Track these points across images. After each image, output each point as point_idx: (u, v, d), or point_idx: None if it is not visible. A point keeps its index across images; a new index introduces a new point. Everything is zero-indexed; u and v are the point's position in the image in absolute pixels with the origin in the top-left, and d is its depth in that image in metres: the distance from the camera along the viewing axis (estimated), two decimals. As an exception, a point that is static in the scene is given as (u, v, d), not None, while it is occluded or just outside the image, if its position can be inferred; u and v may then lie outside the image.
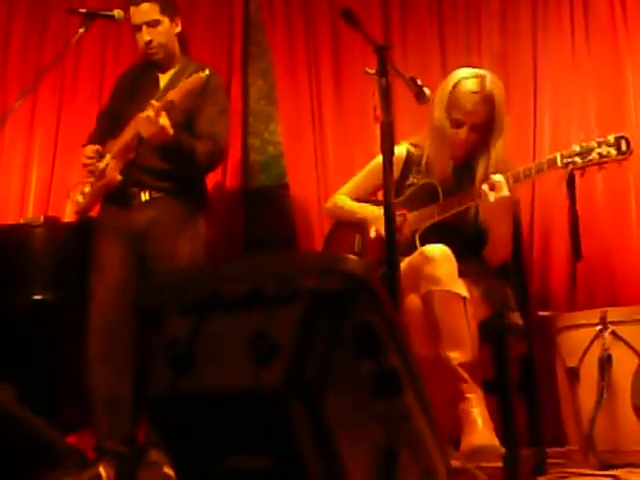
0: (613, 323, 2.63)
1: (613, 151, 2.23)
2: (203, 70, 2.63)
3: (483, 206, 2.36)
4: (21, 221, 3.20)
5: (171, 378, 1.09)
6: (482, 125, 2.45)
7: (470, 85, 2.44)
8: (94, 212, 2.91)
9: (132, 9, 2.81)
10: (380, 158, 2.65)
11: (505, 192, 2.30)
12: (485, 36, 3.37)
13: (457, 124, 2.45)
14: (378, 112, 1.95)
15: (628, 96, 3.12)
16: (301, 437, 1.03)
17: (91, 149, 2.83)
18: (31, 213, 3.64)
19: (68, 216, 3.28)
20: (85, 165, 2.84)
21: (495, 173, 2.38)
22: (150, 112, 2.58)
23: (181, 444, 1.14)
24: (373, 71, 1.96)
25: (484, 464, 2.31)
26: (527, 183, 3.11)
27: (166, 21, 2.82)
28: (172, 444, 1.15)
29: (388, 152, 1.93)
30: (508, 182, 2.32)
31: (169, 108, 2.57)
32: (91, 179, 2.81)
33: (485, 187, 2.33)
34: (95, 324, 2.67)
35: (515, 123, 3.22)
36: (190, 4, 3.67)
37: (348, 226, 2.70)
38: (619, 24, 3.18)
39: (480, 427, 2.08)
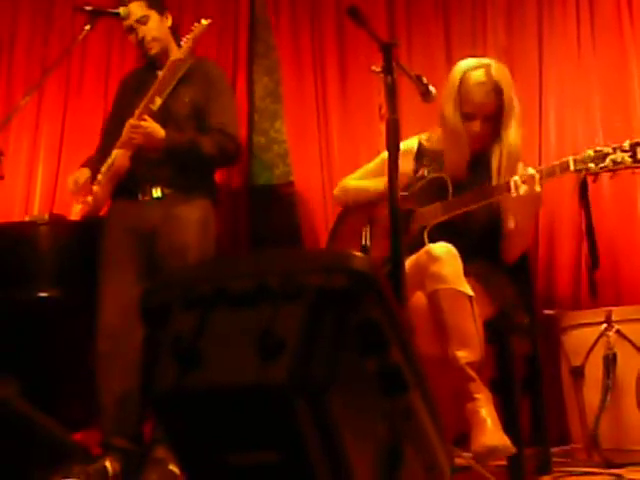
0: (618, 322, 2.63)
1: (627, 158, 2.19)
2: (204, 65, 2.68)
3: (512, 198, 2.30)
4: (26, 219, 3.20)
5: (177, 374, 1.09)
6: (493, 115, 2.43)
7: (477, 77, 2.43)
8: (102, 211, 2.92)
9: (122, 10, 2.83)
10: None
11: (537, 187, 2.25)
12: (490, 33, 3.37)
13: (469, 117, 2.43)
14: (384, 110, 1.95)
15: (634, 94, 3.12)
16: (306, 433, 1.03)
17: (80, 176, 2.85)
18: (36, 210, 3.64)
19: (74, 215, 3.28)
20: (71, 190, 2.86)
21: (509, 161, 2.37)
22: (130, 121, 2.68)
23: (186, 440, 1.14)
24: (379, 69, 1.96)
25: (489, 463, 2.31)
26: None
27: (154, 15, 2.85)
28: (177, 440, 1.16)
29: (393, 150, 1.93)
30: (542, 177, 2.26)
31: (177, 66, 2.70)
32: (99, 178, 2.83)
33: (517, 179, 2.28)
34: (104, 321, 2.67)
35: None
36: (196, 2, 3.67)
37: (356, 216, 2.68)
38: (625, 22, 3.17)
39: (490, 427, 2.07)
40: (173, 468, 2.48)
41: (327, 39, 3.58)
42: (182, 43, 2.77)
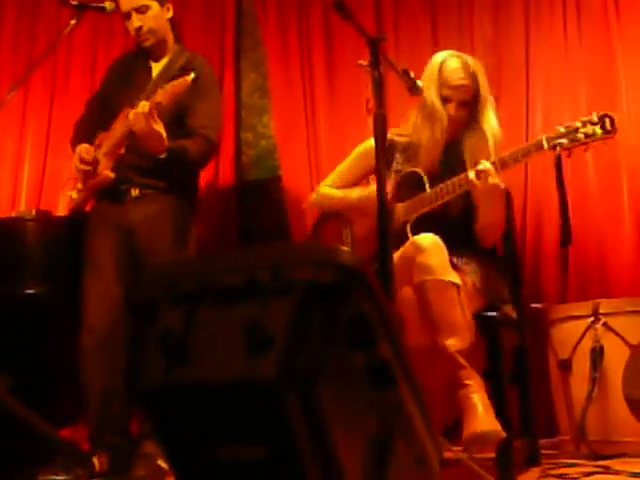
0: (605, 315, 2.65)
1: (598, 129, 2.24)
2: (199, 61, 2.61)
3: (473, 193, 2.38)
4: (13, 215, 3.19)
5: (165, 369, 1.09)
6: (468, 101, 2.51)
7: (455, 63, 2.53)
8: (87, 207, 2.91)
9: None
10: (361, 147, 2.72)
11: (494, 179, 2.31)
12: (477, 27, 3.38)
13: (445, 101, 2.50)
14: (371, 104, 1.95)
15: (620, 85, 3.13)
16: (295, 427, 1.04)
17: (84, 150, 2.78)
18: (23, 207, 3.62)
19: (62, 211, 3.27)
20: (78, 169, 2.77)
21: (486, 147, 2.44)
22: (144, 108, 2.54)
23: (175, 435, 1.14)
24: (366, 63, 1.96)
25: (477, 455, 2.32)
26: (519, 175, 3.17)
27: (155, 6, 2.80)
28: (166, 435, 1.16)
29: (381, 144, 1.93)
30: (496, 169, 2.32)
31: (157, 109, 2.54)
32: (84, 176, 2.80)
33: (472, 175, 2.34)
34: (88, 318, 2.67)
35: (507, 113, 3.25)
36: (182, -4, 3.66)
37: (334, 219, 2.70)
38: (611, 15, 3.18)
39: (481, 413, 2.09)
40: (161, 463, 2.48)
41: (314, 33, 3.58)
42: (166, 87, 2.56)
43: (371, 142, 2.61)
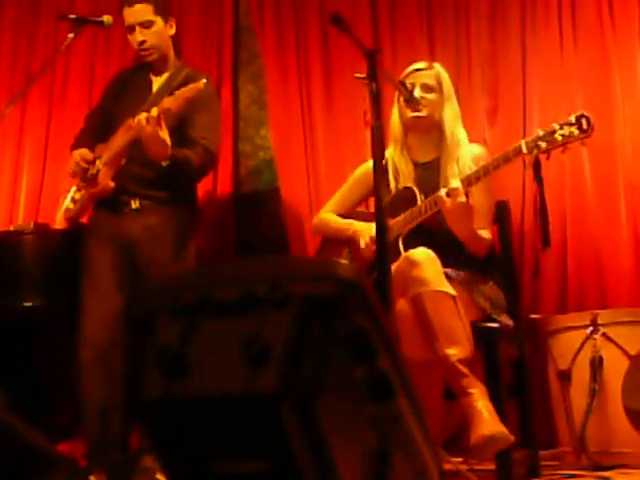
0: (604, 325, 2.64)
1: (575, 130, 2.25)
2: (199, 78, 2.62)
3: (443, 211, 2.39)
4: (11, 228, 3.19)
5: (163, 383, 1.09)
6: (432, 87, 2.58)
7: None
8: (84, 218, 2.90)
9: (125, 10, 2.80)
10: (357, 172, 2.78)
11: (462, 198, 2.33)
12: (474, 39, 3.38)
13: (411, 95, 2.43)
14: (368, 116, 1.96)
15: (615, 97, 3.14)
16: (294, 441, 1.03)
17: (80, 154, 2.79)
18: (21, 220, 3.62)
19: (59, 223, 3.27)
20: (74, 171, 2.79)
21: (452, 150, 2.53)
22: (152, 113, 2.53)
23: (174, 449, 1.13)
24: (363, 75, 1.98)
25: (477, 467, 2.32)
26: (517, 185, 3.17)
27: (159, 22, 2.81)
28: (165, 449, 1.15)
29: (378, 156, 1.94)
30: (470, 183, 2.34)
31: (165, 115, 2.54)
32: (81, 185, 2.80)
33: (442, 193, 2.35)
34: (86, 331, 2.66)
35: (504, 124, 3.26)
36: (180, 9, 3.67)
37: (335, 242, 2.73)
38: (606, 25, 3.19)
39: (487, 418, 2.09)
40: (160, 477, 2.47)
41: (312, 46, 3.58)
42: (176, 93, 2.57)
43: (367, 165, 2.67)
